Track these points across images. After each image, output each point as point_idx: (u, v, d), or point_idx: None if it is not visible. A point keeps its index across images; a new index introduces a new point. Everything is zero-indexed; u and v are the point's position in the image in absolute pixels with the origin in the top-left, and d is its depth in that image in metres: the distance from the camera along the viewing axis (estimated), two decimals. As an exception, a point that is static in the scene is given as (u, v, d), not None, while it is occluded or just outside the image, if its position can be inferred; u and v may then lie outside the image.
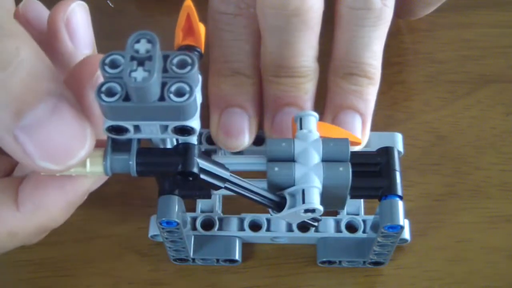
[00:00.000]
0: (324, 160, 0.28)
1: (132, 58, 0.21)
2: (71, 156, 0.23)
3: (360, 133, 0.33)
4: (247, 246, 0.35)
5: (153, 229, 0.34)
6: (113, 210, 0.36)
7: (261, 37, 0.33)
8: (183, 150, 0.26)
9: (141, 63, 0.21)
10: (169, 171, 0.26)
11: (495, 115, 0.39)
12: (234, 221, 0.35)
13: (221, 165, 0.27)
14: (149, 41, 0.21)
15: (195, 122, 0.24)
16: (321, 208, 0.27)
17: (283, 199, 0.28)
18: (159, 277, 0.35)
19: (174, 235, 0.31)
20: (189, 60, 0.23)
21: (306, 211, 0.27)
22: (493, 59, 0.41)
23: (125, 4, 0.44)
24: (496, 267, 0.34)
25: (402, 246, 0.35)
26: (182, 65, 0.23)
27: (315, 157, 0.28)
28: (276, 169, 0.28)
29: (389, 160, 0.29)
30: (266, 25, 0.32)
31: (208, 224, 0.35)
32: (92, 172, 0.26)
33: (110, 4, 0.44)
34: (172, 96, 0.22)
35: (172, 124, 0.23)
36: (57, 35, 0.27)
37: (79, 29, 0.28)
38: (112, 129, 0.23)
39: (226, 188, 0.27)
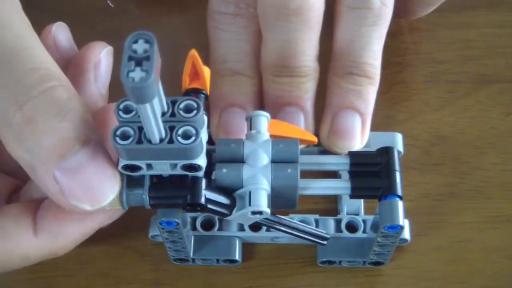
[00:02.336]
0: (273, 161, 0.28)
1: (130, 58, 0.21)
2: (104, 198, 0.26)
3: (360, 133, 0.33)
4: (247, 246, 0.35)
5: (153, 229, 0.34)
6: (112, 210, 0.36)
7: (261, 36, 0.33)
8: (191, 184, 0.27)
9: (138, 63, 0.21)
10: (179, 203, 0.27)
11: (495, 115, 0.39)
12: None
13: (227, 195, 0.28)
14: (146, 41, 0.21)
15: (201, 160, 0.25)
16: (267, 210, 0.28)
17: (234, 200, 0.28)
18: (159, 277, 0.35)
19: (174, 235, 0.31)
20: (195, 105, 0.25)
21: (254, 213, 0.28)
22: (493, 59, 0.41)
23: (125, 4, 0.44)
24: (496, 267, 0.34)
25: (402, 246, 0.35)
26: (188, 109, 0.25)
27: (264, 158, 0.28)
28: (224, 170, 0.28)
29: (389, 160, 0.29)
30: (267, 25, 0.32)
31: (208, 224, 0.35)
32: (110, 206, 0.28)
33: (110, 4, 0.44)
34: (179, 138, 0.24)
35: (181, 163, 0.25)
36: (85, 75, 0.31)
37: (104, 74, 0.31)
38: (127, 168, 0.26)
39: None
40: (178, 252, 0.33)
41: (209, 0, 0.34)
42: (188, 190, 0.27)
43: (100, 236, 0.35)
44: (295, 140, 0.29)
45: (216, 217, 0.34)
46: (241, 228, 0.34)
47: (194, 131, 0.24)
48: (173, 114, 0.25)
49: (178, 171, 0.26)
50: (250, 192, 0.28)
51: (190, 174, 0.26)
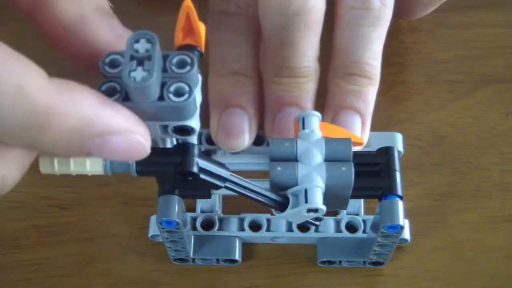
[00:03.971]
0: (327, 160, 0.28)
1: (132, 58, 0.21)
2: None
3: (360, 133, 0.33)
4: (247, 246, 0.35)
5: (153, 229, 0.34)
6: (113, 210, 0.36)
7: (261, 37, 0.33)
8: (183, 150, 0.26)
9: (140, 62, 0.21)
10: (169, 171, 0.26)
11: (495, 115, 0.39)
12: (234, 221, 0.35)
13: (221, 165, 0.27)
14: (148, 41, 0.21)
15: (194, 122, 0.24)
16: (324, 207, 0.27)
17: (285, 198, 0.28)
18: (159, 277, 0.35)
19: (174, 235, 0.31)
20: (189, 60, 0.23)
21: (309, 210, 0.27)
22: (493, 59, 0.41)
23: (125, 3, 0.44)
24: (496, 267, 0.34)
25: (402, 246, 0.35)
26: (181, 65, 0.23)
27: (318, 157, 0.28)
28: (279, 168, 0.28)
29: (389, 160, 0.29)
30: (268, 25, 0.32)
31: (208, 224, 0.35)
32: (92, 171, 0.26)
33: (110, 4, 0.44)
34: (171, 96, 0.22)
35: (172, 124, 0.24)
36: None
37: None
38: None
39: (226, 187, 0.27)
40: (178, 252, 0.33)
41: (209, 0, 0.34)
42: (179, 156, 0.25)
43: (100, 236, 0.36)
44: (348, 139, 0.29)
45: (216, 217, 0.34)
46: (241, 228, 0.34)
47: (187, 88, 0.23)
48: (164, 70, 0.23)
49: (169, 135, 0.25)
50: (306, 190, 0.27)
51: (181, 137, 0.25)
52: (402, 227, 0.29)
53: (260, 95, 0.35)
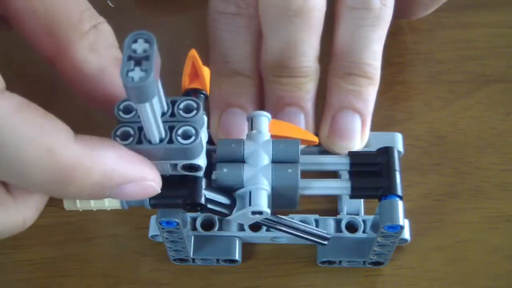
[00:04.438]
0: (274, 161, 0.28)
1: (129, 58, 0.21)
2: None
3: (360, 133, 0.33)
4: (247, 246, 0.35)
5: (153, 229, 0.34)
6: (113, 210, 0.36)
7: (261, 37, 0.33)
8: (191, 183, 0.27)
9: (138, 62, 0.21)
10: (179, 203, 0.27)
11: (495, 115, 0.39)
12: (234, 221, 0.35)
13: (228, 195, 0.28)
14: (146, 41, 0.21)
15: (201, 160, 0.26)
16: (267, 210, 0.28)
17: (234, 200, 0.28)
18: (159, 277, 0.35)
19: (174, 235, 0.31)
20: (195, 105, 0.25)
21: (254, 213, 0.28)
22: (493, 59, 0.41)
23: (125, 4, 0.44)
24: (496, 267, 0.34)
25: (402, 246, 0.35)
26: (188, 110, 0.25)
27: (265, 159, 0.28)
28: (225, 170, 0.28)
29: (389, 160, 0.29)
30: (268, 25, 0.32)
31: (208, 224, 0.35)
32: (110, 206, 0.29)
33: (110, 4, 0.44)
34: (179, 138, 0.24)
35: (181, 163, 0.25)
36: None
37: None
38: None
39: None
40: (178, 252, 0.33)
41: (209, 0, 0.34)
42: (188, 190, 0.27)
43: (100, 236, 0.36)
44: (296, 141, 0.29)
45: (216, 217, 0.34)
46: (241, 228, 0.34)
47: (194, 131, 0.24)
48: (173, 114, 0.25)
49: (179, 171, 0.26)
50: (250, 192, 0.28)
51: (190, 174, 0.27)
52: (402, 227, 0.29)
53: (261, 95, 0.35)
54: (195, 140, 0.24)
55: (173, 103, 0.25)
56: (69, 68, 0.28)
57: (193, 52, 0.29)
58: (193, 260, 0.34)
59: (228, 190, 0.28)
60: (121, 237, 0.36)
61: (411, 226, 0.34)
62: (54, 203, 0.36)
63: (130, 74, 0.21)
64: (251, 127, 0.29)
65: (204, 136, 0.26)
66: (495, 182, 0.37)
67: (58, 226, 0.36)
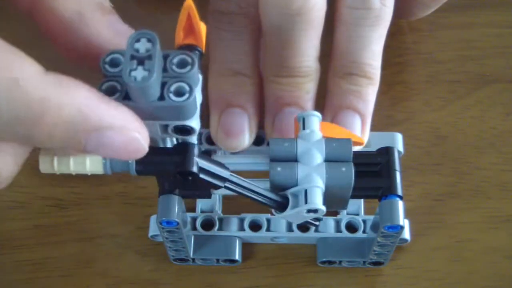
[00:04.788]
0: (327, 160, 0.28)
1: (132, 57, 0.21)
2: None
3: (360, 133, 0.33)
4: (247, 246, 0.35)
5: (153, 229, 0.34)
6: (113, 210, 0.36)
7: (262, 36, 0.33)
8: (183, 150, 0.26)
9: (141, 62, 0.21)
10: (168, 171, 0.26)
11: (495, 115, 0.39)
12: (234, 221, 0.35)
13: (221, 165, 0.27)
14: (149, 40, 0.21)
15: (194, 122, 0.24)
16: (323, 208, 0.27)
17: (285, 199, 0.28)
18: (159, 277, 0.35)
19: (174, 235, 0.31)
20: (189, 60, 0.23)
21: (309, 211, 0.27)
22: (493, 59, 0.41)
23: (125, 3, 0.44)
24: (496, 267, 0.34)
25: (402, 246, 0.35)
26: (182, 64, 0.23)
27: (318, 157, 0.28)
28: (279, 169, 0.28)
29: (389, 160, 0.30)
30: (269, 25, 0.32)
31: (208, 224, 0.35)
32: (92, 171, 0.26)
33: (111, 4, 0.44)
34: (171, 95, 0.22)
35: (172, 124, 0.24)
36: None
37: None
38: None
39: (226, 187, 0.27)
40: (178, 252, 0.33)
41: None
42: (179, 156, 0.25)
43: (100, 236, 0.36)
44: (348, 140, 0.29)
45: (216, 217, 0.34)
46: (241, 228, 0.34)
47: (187, 88, 0.23)
48: (165, 69, 0.23)
49: (169, 134, 0.25)
50: (305, 190, 0.27)
51: (182, 137, 0.25)
52: (402, 227, 0.29)
53: (260, 95, 0.35)
54: (188, 97, 0.23)
55: (166, 57, 0.23)
56: (46, 16, 0.25)
57: (189, 2, 0.27)
58: (193, 260, 0.34)
59: (282, 189, 0.28)
60: (121, 237, 0.36)
61: (411, 226, 0.34)
62: (53, 203, 0.36)
63: (133, 73, 0.21)
64: (303, 127, 0.29)
65: (198, 96, 0.24)
66: (495, 182, 0.37)
67: (58, 226, 0.36)
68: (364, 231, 0.34)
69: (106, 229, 0.36)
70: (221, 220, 0.35)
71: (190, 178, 0.26)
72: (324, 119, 0.34)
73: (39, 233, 0.35)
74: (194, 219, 0.34)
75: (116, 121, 0.22)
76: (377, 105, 0.34)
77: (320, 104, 0.34)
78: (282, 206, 0.28)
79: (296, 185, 0.28)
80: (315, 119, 0.29)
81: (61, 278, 0.34)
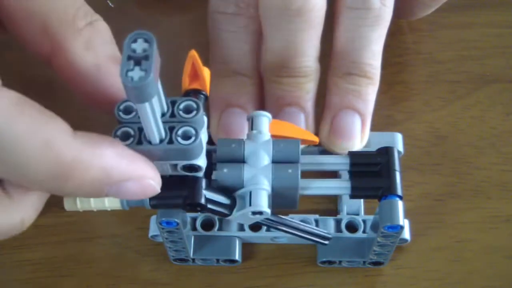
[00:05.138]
0: (274, 161, 0.28)
1: (129, 58, 0.21)
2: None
3: (360, 133, 0.33)
4: (247, 246, 0.35)
5: (153, 229, 0.34)
6: (113, 210, 0.36)
7: (261, 36, 0.33)
8: (191, 184, 0.27)
9: (138, 62, 0.21)
10: (179, 203, 0.27)
11: (495, 115, 0.39)
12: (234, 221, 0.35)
13: (228, 195, 0.28)
14: (146, 41, 0.21)
15: (201, 161, 0.26)
16: (268, 210, 0.28)
17: (234, 200, 0.28)
18: (159, 277, 0.35)
19: (174, 235, 0.31)
20: (195, 106, 0.25)
21: (254, 213, 0.28)
22: (493, 59, 0.41)
23: (125, 4, 0.44)
24: (496, 267, 0.34)
25: (402, 246, 0.35)
26: (188, 110, 0.25)
27: (265, 159, 0.28)
28: (225, 170, 0.28)
29: (389, 160, 0.29)
30: (268, 25, 0.32)
31: (208, 224, 0.35)
32: (110, 207, 0.29)
33: (110, 4, 0.44)
34: (179, 139, 0.24)
35: (181, 163, 0.25)
36: None
37: None
38: None
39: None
40: (178, 252, 0.33)
41: (209, 0, 0.34)
42: (188, 190, 0.27)
43: (100, 236, 0.36)
44: (296, 141, 0.29)
45: (216, 217, 0.34)
46: (241, 228, 0.34)
47: (193, 132, 0.24)
48: (173, 115, 0.25)
49: (179, 172, 0.26)
50: (250, 192, 0.28)
51: (190, 174, 0.27)
52: (402, 227, 0.29)
53: (260, 95, 0.35)
54: (195, 140, 0.24)
55: (173, 103, 0.25)
56: (65, 67, 0.27)
57: (193, 53, 0.30)
58: (193, 260, 0.34)
59: (229, 190, 0.28)
60: (121, 237, 0.36)
61: (411, 226, 0.34)
62: (54, 203, 0.36)
63: (130, 74, 0.21)
64: (251, 127, 0.29)
65: (204, 136, 0.26)
66: (495, 182, 0.37)
67: (58, 226, 0.36)
68: (364, 231, 0.34)
69: (106, 229, 0.36)
70: (221, 220, 0.35)
71: (199, 209, 0.27)
72: (324, 119, 0.34)
73: (39, 233, 0.35)
74: (194, 219, 0.34)
75: (135, 174, 0.24)
76: (377, 105, 0.34)
77: (320, 104, 0.34)
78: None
79: (242, 186, 0.28)
80: (264, 120, 0.29)
81: (61, 278, 0.34)
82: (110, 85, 0.27)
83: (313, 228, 0.31)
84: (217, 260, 0.34)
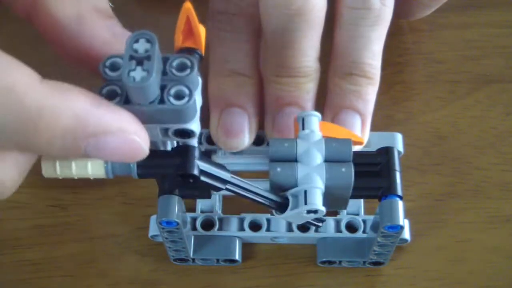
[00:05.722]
0: (327, 160, 0.28)
1: (131, 58, 0.21)
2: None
3: (360, 133, 0.33)
4: (247, 246, 0.35)
5: (153, 229, 0.34)
6: (113, 210, 0.36)
7: (262, 36, 0.33)
8: (183, 152, 0.26)
9: (140, 62, 0.21)
10: (169, 173, 0.26)
11: (495, 115, 0.39)
12: (234, 221, 0.35)
13: (222, 167, 0.27)
14: (148, 41, 0.21)
15: (194, 125, 0.24)
16: (323, 209, 0.27)
17: (286, 199, 0.28)
18: (159, 277, 0.35)
19: (174, 235, 0.31)
20: (189, 63, 0.23)
21: (309, 211, 0.27)
22: (493, 59, 0.41)
23: (125, 4, 0.44)
24: (496, 267, 0.34)
25: (402, 246, 0.35)
26: (181, 67, 0.23)
27: (318, 158, 0.28)
28: (279, 169, 0.28)
29: (389, 160, 0.29)
30: (269, 25, 0.32)
31: (208, 224, 0.35)
32: (94, 175, 0.26)
33: (110, 4, 0.44)
34: (171, 99, 0.22)
35: (172, 127, 0.24)
36: None
37: None
38: None
39: (227, 189, 0.28)
40: (178, 252, 0.33)
41: (209, 0, 0.34)
42: (180, 159, 0.26)
43: (100, 236, 0.36)
44: (348, 140, 0.29)
45: (216, 217, 0.34)
46: (241, 228, 0.34)
47: (187, 91, 0.23)
48: (164, 72, 0.23)
49: (170, 137, 0.25)
50: (305, 191, 0.27)
51: (182, 140, 0.25)
52: (402, 227, 0.29)
53: (260, 95, 0.35)
54: (188, 101, 0.23)
55: (165, 60, 0.23)
56: (45, 20, 0.26)
57: (188, 5, 0.27)
58: (193, 260, 0.34)
59: (282, 189, 0.28)
60: (121, 237, 0.36)
61: (411, 226, 0.34)
62: (54, 203, 0.37)
63: (132, 74, 0.21)
64: (303, 127, 0.29)
65: (198, 98, 0.24)
66: (495, 182, 0.37)
67: (58, 226, 0.36)
68: (364, 231, 0.34)
69: (106, 229, 0.36)
70: (221, 220, 0.35)
71: (191, 180, 0.26)
72: (324, 119, 0.34)
73: (39, 233, 0.35)
74: (194, 219, 0.34)
75: (115, 126, 0.22)
76: (377, 105, 0.34)
77: (320, 104, 0.34)
78: (282, 206, 0.28)
79: (296, 185, 0.28)
80: (315, 119, 0.29)
81: (61, 278, 0.34)
82: (93, 38, 0.25)
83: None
84: (217, 260, 0.34)
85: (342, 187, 0.28)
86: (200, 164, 0.26)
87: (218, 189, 0.27)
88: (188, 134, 0.24)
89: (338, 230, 0.34)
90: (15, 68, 0.21)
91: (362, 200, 0.35)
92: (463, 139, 0.38)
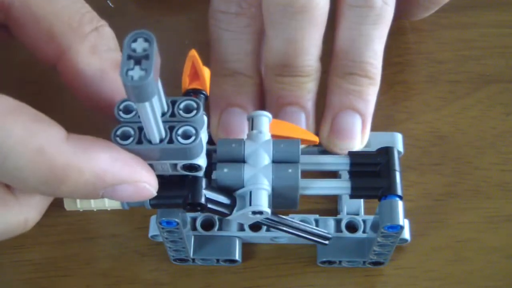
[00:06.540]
0: (274, 161, 0.28)
1: (129, 57, 0.21)
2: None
3: (360, 133, 0.33)
4: (247, 246, 0.35)
5: (153, 229, 0.34)
6: (113, 210, 0.36)
7: (263, 35, 0.33)
8: (191, 183, 0.27)
9: (138, 62, 0.21)
10: (179, 203, 0.27)
11: (495, 115, 0.39)
12: (234, 221, 0.35)
13: (228, 195, 0.28)
14: (146, 40, 0.21)
15: (201, 160, 0.26)
16: (268, 210, 0.28)
17: (234, 200, 0.28)
18: (159, 277, 0.35)
19: (174, 235, 0.31)
20: (195, 105, 0.25)
21: (254, 213, 0.28)
22: (493, 59, 0.41)
23: (125, 4, 0.44)
24: (496, 267, 0.34)
25: (402, 246, 0.35)
26: (188, 109, 0.25)
27: (265, 158, 0.28)
28: (225, 170, 0.28)
29: (389, 160, 0.29)
30: (271, 23, 0.32)
31: (208, 224, 0.35)
32: (110, 206, 0.29)
33: (110, 4, 0.44)
34: (179, 138, 0.24)
35: (181, 163, 0.25)
36: None
37: None
38: None
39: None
40: (178, 252, 0.33)
41: (211, 0, 0.34)
42: (188, 189, 0.27)
43: (100, 236, 0.36)
44: (297, 140, 0.29)
45: (216, 217, 0.34)
46: (241, 228, 0.34)
47: (194, 131, 0.24)
48: (173, 114, 0.25)
49: (179, 171, 0.26)
50: (250, 192, 0.28)
51: (190, 174, 0.27)
52: (402, 227, 0.29)
53: (261, 95, 0.35)
54: (195, 140, 0.24)
55: (173, 103, 0.25)
56: (70, 71, 0.28)
57: (193, 52, 0.30)
58: (193, 260, 0.34)
59: (229, 190, 0.28)
60: (121, 237, 0.36)
61: (411, 226, 0.34)
62: (54, 203, 0.36)
63: (130, 73, 0.21)
64: (252, 127, 0.29)
65: (204, 136, 0.26)
66: (495, 182, 0.37)
67: (58, 226, 0.36)
68: (364, 231, 0.34)
69: (106, 229, 0.36)
70: (221, 220, 0.35)
71: (199, 208, 0.27)
72: (324, 119, 0.34)
73: (39, 233, 0.35)
74: (194, 219, 0.34)
75: (128, 178, 0.24)
76: (377, 105, 0.34)
77: (320, 104, 0.34)
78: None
79: (242, 186, 0.28)
80: (265, 120, 0.29)
81: (61, 278, 0.34)
82: (114, 90, 0.27)
83: (313, 228, 0.31)
84: (217, 260, 0.34)
85: (289, 187, 0.28)
86: (206, 193, 0.27)
87: (225, 215, 0.28)
88: (196, 168, 0.26)
89: (338, 230, 0.34)
90: (44, 130, 0.23)
91: (362, 200, 0.35)
92: (463, 139, 0.38)
